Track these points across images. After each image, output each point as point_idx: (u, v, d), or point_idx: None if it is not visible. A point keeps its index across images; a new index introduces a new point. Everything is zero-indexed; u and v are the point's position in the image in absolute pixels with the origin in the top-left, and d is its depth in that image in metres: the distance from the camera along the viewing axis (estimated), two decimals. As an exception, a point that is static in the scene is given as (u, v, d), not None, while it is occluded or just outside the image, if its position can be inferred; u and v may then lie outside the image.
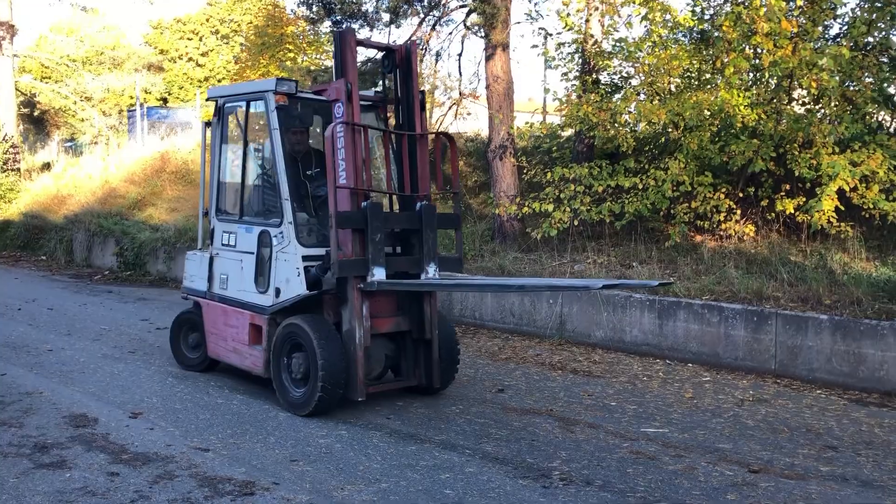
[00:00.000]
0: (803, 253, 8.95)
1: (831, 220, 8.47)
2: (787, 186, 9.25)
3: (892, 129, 8.88)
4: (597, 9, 10.81)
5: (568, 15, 10.56)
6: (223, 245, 7.01)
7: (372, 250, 5.87)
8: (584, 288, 4.50)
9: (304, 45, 17.84)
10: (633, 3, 9.51)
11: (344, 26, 11.74)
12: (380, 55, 6.88)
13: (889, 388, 6.93)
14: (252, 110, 6.72)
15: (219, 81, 33.79)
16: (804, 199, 8.99)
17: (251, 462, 5.09)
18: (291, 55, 17.77)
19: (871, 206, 8.51)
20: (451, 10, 11.50)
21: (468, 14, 11.94)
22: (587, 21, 10.92)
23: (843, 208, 8.55)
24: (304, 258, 6.11)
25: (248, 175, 6.91)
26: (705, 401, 6.78)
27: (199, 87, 33.50)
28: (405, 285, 6.12)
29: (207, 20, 36.63)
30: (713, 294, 8.25)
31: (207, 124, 7.43)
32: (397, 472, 4.93)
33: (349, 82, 6.02)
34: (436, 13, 11.49)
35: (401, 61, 6.45)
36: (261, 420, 6.03)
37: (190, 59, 36.25)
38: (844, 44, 8.13)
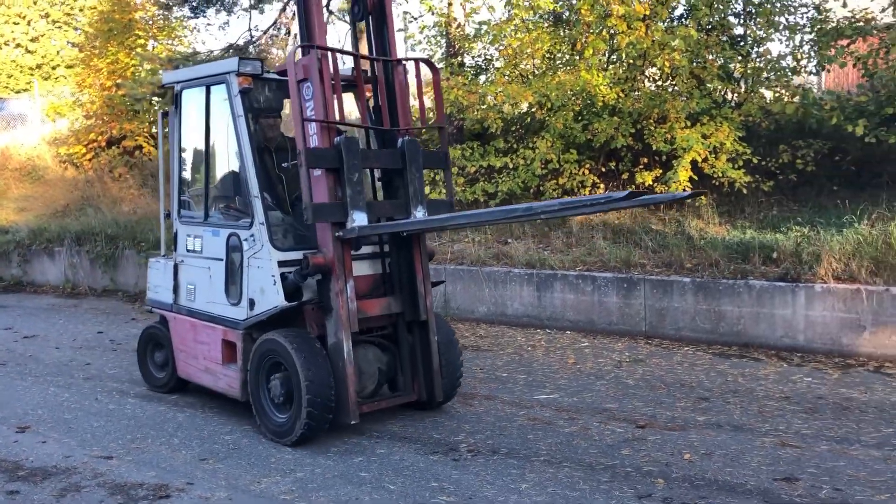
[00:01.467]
0: (663, 221, 9.63)
1: (686, 189, 9.15)
2: (645, 160, 9.91)
3: (733, 103, 9.65)
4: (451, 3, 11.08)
5: (430, -3, 10.76)
6: (188, 251, 6.22)
7: (350, 192, 5.04)
8: (608, 201, 3.90)
9: (155, 30, 17.09)
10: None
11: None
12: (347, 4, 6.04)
13: (746, 340, 7.65)
14: (213, 96, 5.90)
15: (53, 69, 31.68)
16: (661, 171, 9.68)
17: (159, 465, 5.03)
18: (142, 41, 16.98)
19: (720, 174, 9.27)
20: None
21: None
22: (450, 4, 11.16)
23: (696, 178, 9.27)
24: (281, 263, 5.32)
25: (212, 170, 6.15)
26: (587, 365, 7.24)
27: (32, 74, 31.27)
28: (390, 227, 5.30)
29: (35, 2, 34.17)
30: (586, 265, 8.76)
31: (164, 114, 6.71)
32: (310, 461, 5.02)
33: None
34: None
35: (373, 7, 5.53)
36: (160, 422, 5.93)
37: (18, 45, 33.74)
38: (691, 25, 8.80)
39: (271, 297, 5.30)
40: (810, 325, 7.35)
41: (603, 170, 10.32)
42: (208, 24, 18.66)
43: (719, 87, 9.30)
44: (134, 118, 16.65)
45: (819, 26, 8.92)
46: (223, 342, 5.80)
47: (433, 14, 11.21)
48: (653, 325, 8.16)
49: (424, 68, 5.67)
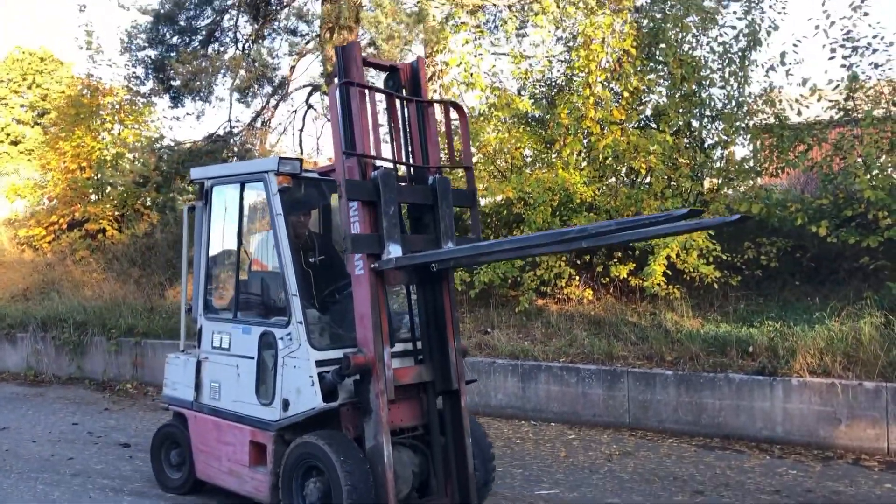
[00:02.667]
0: (638, 314, 9.99)
1: (661, 284, 9.56)
2: (619, 254, 10.32)
3: (701, 202, 10.21)
4: (435, 92, 11.55)
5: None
6: (214, 348, 6.10)
7: (386, 224, 5.00)
8: (668, 219, 3.83)
9: (122, 115, 17.20)
10: (480, 89, 10.30)
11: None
12: (383, 75, 5.94)
13: (727, 431, 7.93)
14: (248, 193, 6.01)
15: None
16: (634, 265, 10.09)
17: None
18: (108, 126, 17.08)
19: (692, 269, 9.72)
20: (295, 91, 11.80)
21: (310, 94, 12.28)
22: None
23: (669, 273, 9.70)
24: (318, 363, 5.24)
25: (244, 267, 6.15)
26: (579, 458, 7.40)
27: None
28: (429, 256, 5.08)
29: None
30: (568, 356, 9.01)
31: (191, 209, 6.68)
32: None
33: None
34: (280, 92, 11.72)
35: (406, 80, 5.56)
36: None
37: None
38: (663, 129, 9.38)
39: (308, 398, 5.19)
40: (788, 418, 7.68)
41: (578, 262, 10.69)
42: (187, 114, 18.97)
43: (689, 186, 9.84)
44: (98, 201, 16.61)
45: (781, 133, 9.58)
46: (251, 443, 5.63)
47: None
48: (636, 417, 8.39)
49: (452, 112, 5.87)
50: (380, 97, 5.49)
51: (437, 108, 5.98)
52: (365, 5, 12.71)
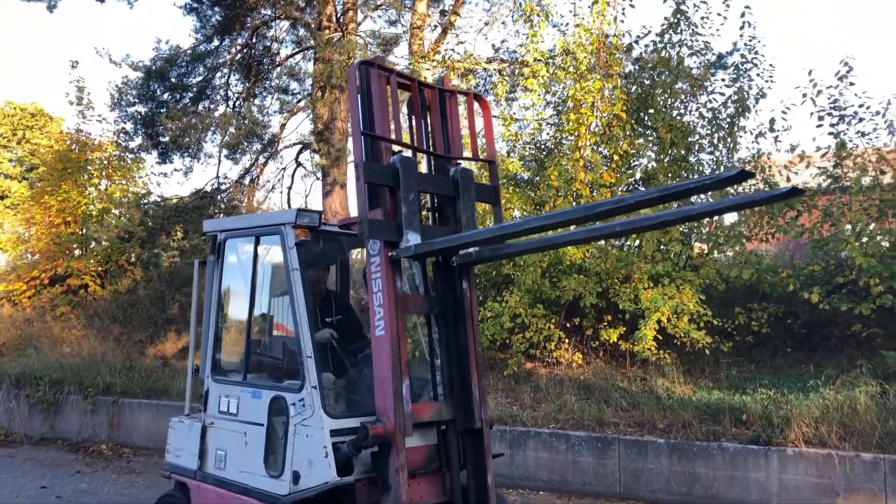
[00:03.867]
0: (628, 378, 9.80)
1: (652, 349, 9.40)
2: (609, 317, 10.18)
3: (691, 266, 10.13)
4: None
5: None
6: (220, 412, 5.67)
7: (405, 211, 4.64)
8: (715, 181, 3.42)
9: (110, 171, 17.14)
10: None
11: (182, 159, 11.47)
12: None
13: (721, 503, 7.69)
14: (262, 247, 5.67)
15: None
16: (624, 329, 9.94)
17: None
18: (95, 181, 17.00)
19: (683, 334, 9.58)
20: (284, 148, 11.76)
21: (299, 152, 12.25)
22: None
23: (660, 337, 9.55)
24: (333, 432, 4.77)
25: (255, 326, 5.76)
26: (570, 530, 7.13)
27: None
28: (448, 241, 4.64)
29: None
30: (558, 422, 8.77)
31: (202, 263, 6.30)
32: None
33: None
34: (270, 150, 11.67)
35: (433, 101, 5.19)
36: None
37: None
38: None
39: (321, 471, 4.70)
40: (784, 489, 7.46)
41: (567, 325, 10.54)
42: (175, 170, 18.97)
43: (680, 250, 9.78)
44: (82, 256, 16.40)
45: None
46: None
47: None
48: (627, 486, 8.14)
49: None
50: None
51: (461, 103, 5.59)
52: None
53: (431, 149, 5.13)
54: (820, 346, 10.13)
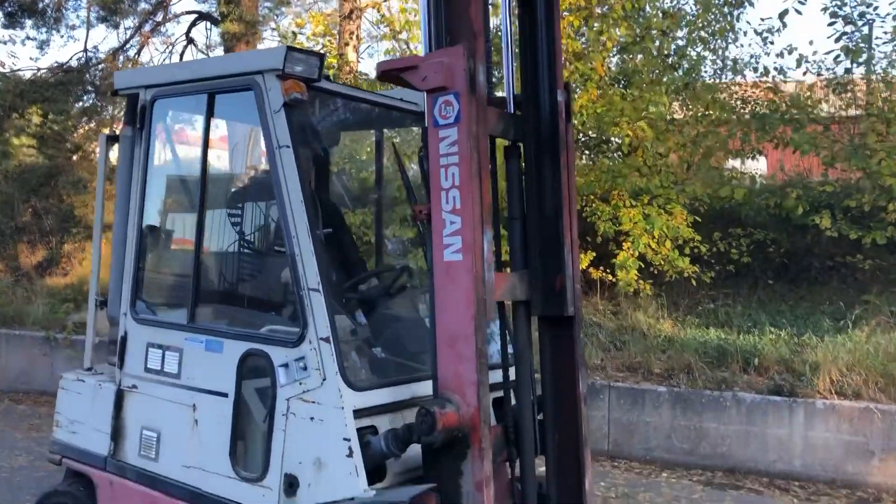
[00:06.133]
0: (599, 312, 8.39)
1: (633, 279, 8.01)
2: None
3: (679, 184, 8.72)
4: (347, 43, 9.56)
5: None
6: (149, 371, 3.68)
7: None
8: None
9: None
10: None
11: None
12: None
13: (731, 464, 6.47)
14: (223, 109, 3.69)
15: None
16: (594, 254, 8.49)
17: None
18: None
19: (662, 262, 8.22)
20: (178, 15, 9.33)
21: (192, 25, 9.84)
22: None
23: (641, 265, 8.15)
24: (358, 415, 2.99)
25: (212, 236, 3.93)
26: None
27: None
28: None
29: None
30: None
31: (112, 139, 4.16)
32: None
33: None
34: (155, 19, 9.23)
35: None
36: None
37: None
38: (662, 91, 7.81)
39: (340, 479, 2.89)
40: (810, 449, 6.29)
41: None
42: (28, 38, 14.74)
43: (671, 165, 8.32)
44: None
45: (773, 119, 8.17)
46: None
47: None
48: (618, 444, 6.79)
49: None
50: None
51: None
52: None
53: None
54: (801, 279, 9.08)
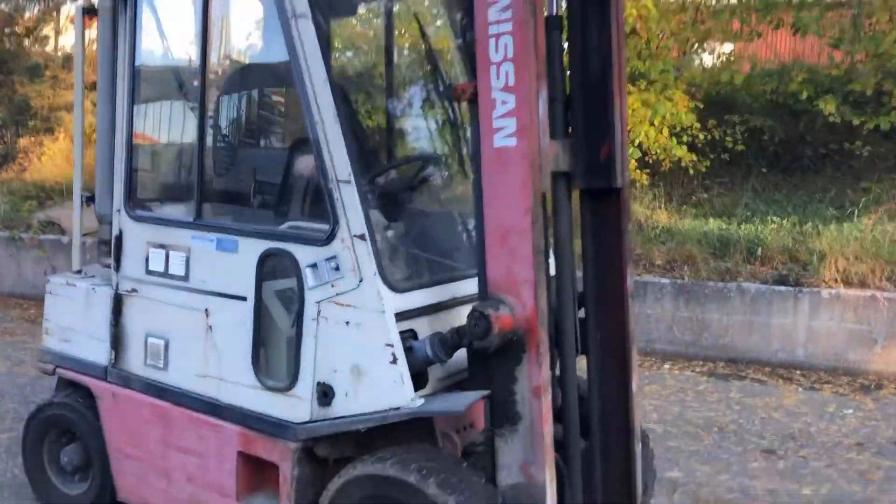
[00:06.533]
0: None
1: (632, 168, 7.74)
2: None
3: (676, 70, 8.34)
4: None
5: None
6: (150, 273, 3.27)
7: None
8: None
9: None
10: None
11: None
12: None
13: (733, 354, 6.44)
14: None
15: None
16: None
17: None
18: None
19: (659, 151, 7.95)
20: None
21: None
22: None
23: (638, 153, 7.88)
24: (398, 318, 2.67)
25: (220, 121, 3.48)
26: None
27: None
28: None
29: None
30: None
31: (89, 11, 3.57)
32: None
33: None
34: None
35: None
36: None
37: None
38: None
39: (382, 387, 2.62)
40: (813, 338, 6.24)
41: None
42: None
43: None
44: None
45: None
46: (241, 457, 2.99)
47: None
48: (618, 336, 6.67)
49: None
50: None
51: None
52: None
53: None
54: (794, 167, 8.91)
